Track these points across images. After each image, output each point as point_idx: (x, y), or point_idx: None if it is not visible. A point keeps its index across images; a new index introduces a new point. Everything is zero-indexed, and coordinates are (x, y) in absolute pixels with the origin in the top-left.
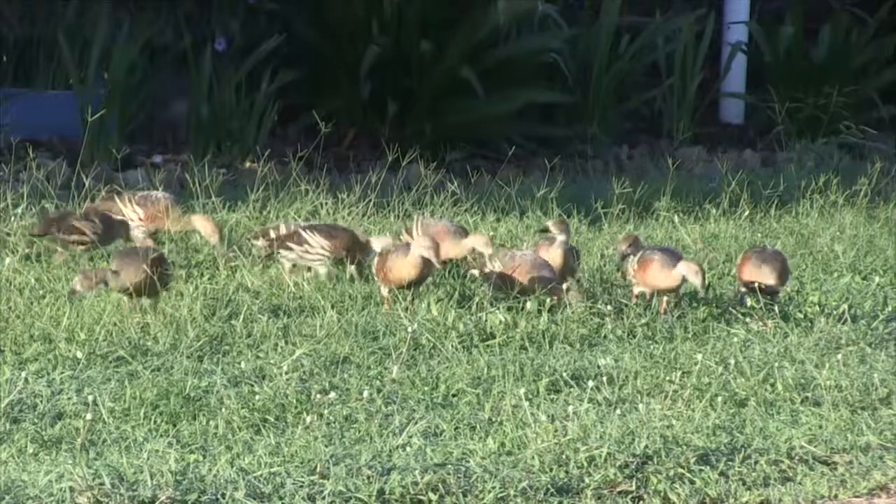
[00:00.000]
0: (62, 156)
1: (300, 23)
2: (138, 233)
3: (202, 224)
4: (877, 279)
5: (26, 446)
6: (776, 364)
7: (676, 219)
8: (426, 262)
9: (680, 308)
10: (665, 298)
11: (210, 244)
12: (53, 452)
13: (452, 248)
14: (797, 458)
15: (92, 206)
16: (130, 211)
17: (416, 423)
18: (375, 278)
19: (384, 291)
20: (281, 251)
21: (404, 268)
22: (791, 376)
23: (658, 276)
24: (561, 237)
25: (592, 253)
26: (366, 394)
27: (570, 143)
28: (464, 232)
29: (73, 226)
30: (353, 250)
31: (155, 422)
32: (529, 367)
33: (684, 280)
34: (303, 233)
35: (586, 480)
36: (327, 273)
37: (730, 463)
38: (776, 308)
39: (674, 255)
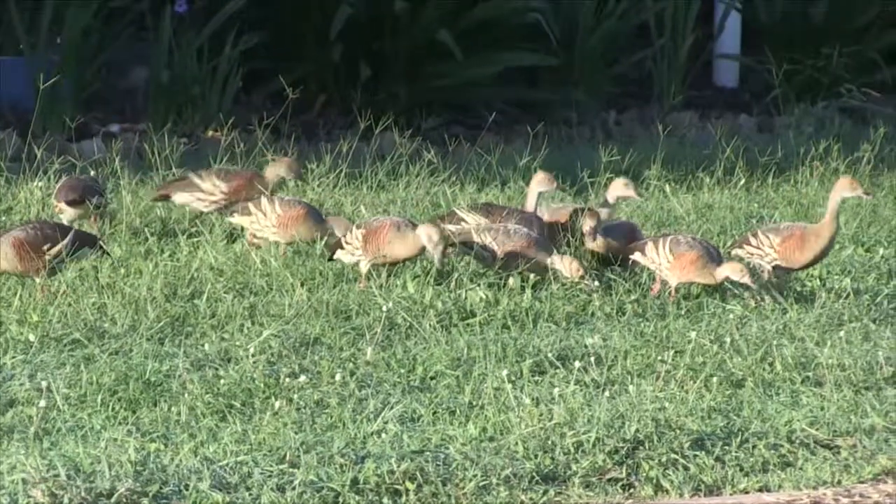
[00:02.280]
0: (12, 126)
1: None
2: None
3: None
4: (881, 251)
5: None
6: (775, 342)
7: (668, 188)
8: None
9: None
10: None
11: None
12: (5, 442)
13: (400, 248)
14: (798, 441)
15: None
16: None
17: (391, 407)
18: (361, 252)
19: (364, 268)
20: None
21: (405, 246)
22: (791, 355)
23: (701, 273)
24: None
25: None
26: (338, 377)
27: (554, 109)
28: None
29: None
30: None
31: (113, 408)
32: (512, 347)
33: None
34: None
35: (573, 467)
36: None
37: (726, 447)
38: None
39: (711, 250)
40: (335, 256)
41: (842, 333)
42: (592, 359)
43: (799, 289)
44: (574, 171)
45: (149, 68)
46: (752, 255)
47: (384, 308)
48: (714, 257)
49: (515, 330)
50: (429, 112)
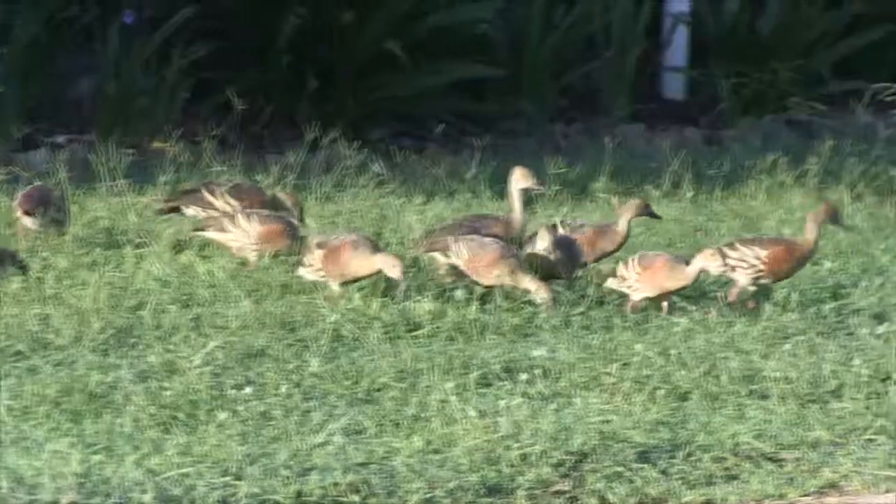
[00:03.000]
0: None
1: None
2: None
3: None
4: (827, 264)
5: None
6: (720, 355)
7: (615, 200)
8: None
9: (619, 295)
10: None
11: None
12: None
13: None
14: (743, 454)
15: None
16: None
17: (336, 419)
18: (321, 272)
19: (335, 289)
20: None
21: (365, 264)
22: (736, 368)
23: (672, 274)
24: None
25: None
26: (283, 389)
27: (502, 121)
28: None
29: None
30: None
31: (56, 420)
32: (458, 359)
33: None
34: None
35: (519, 480)
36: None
37: (671, 460)
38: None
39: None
40: (299, 273)
41: (787, 346)
42: (538, 371)
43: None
44: None
45: (96, 79)
46: (732, 268)
47: (330, 320)
48: (680, 258)
49: (461, 342)
50: (376, 123)
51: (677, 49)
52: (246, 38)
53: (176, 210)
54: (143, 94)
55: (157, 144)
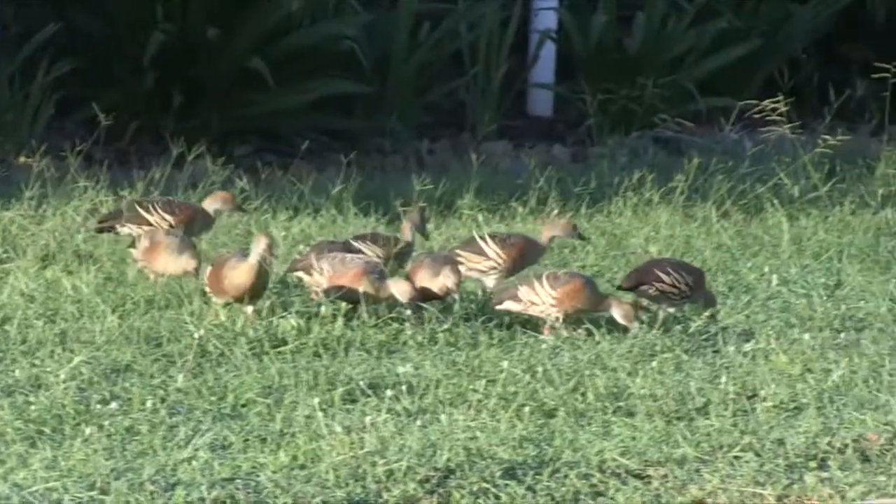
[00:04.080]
0: None
1: (78, 9)
2: None
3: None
4: None
5: None
6: (587, 372)
7: (481, 217)
8: (263, 268)
9: (485, 313)
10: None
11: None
12: None
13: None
14: (609, 471)
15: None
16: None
17: (202, 434)
18: (209, 290)
19: (219, 301)
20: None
21: (241, 275)
22: (603, 385)
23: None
24: None
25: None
26: (149, 404)
27: (367, 137)
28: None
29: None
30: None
31: None
32: (324, 375)
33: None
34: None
35: (384, 496)
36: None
37: (538, 477)
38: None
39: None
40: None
41: (654, 364)
42: (404, 387)
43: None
44: (387, 199)
45: None
46: (662, 292)
47: (195, 335)
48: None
49: (327, 358)
50: (241, 140)
51: (544, 66)
52: (112, 55)
53: (111, 229)
54: (8, 110)
55: (22, 159)
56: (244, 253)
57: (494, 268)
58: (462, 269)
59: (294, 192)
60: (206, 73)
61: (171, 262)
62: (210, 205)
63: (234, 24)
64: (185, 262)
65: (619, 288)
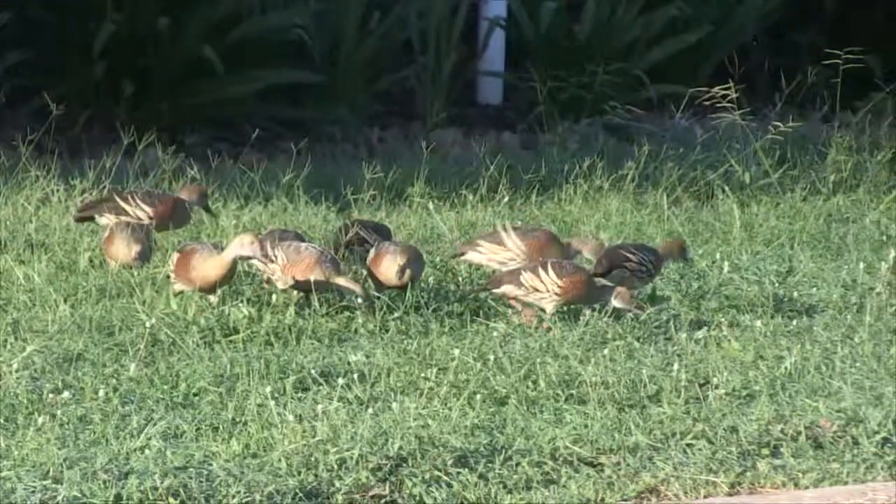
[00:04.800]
0: None
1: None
2: None
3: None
4: None
5: None
6: (538, 360)
7: (431, 205)
8: (235, 264)
9: (437, 301)
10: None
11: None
12: None
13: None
14: (561, 459)
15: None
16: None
17: (155, 423)
18: (173, 277)
19: (177, 287)
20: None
21: (212, 269)
22: (554, 373)
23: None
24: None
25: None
26: (101, 393)
27: (317, 126)
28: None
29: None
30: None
31: None
32: (275, 363)
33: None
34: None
35: (337, 484)
36: None
37: (490, 465)
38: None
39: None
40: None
41: (606, 351)
42: (356, 376)
43: (564, 308)
44: (337, 187)
45: None
46: (632, 272)
47: (147, 324)
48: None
49: (279, 347)
50: (192, 129)
51: (494, 54)
52: (62, 45)
53: (90, 219)
54: None
55: None
56: (215, 245)
57: (513, 259)
58: (482, 258)
59: (245, 180)
60: (156, 63)
61: (121, 251)
62: (186, 196)
63: (185, 14)
64: (131, 251)
65: (594, 275)
